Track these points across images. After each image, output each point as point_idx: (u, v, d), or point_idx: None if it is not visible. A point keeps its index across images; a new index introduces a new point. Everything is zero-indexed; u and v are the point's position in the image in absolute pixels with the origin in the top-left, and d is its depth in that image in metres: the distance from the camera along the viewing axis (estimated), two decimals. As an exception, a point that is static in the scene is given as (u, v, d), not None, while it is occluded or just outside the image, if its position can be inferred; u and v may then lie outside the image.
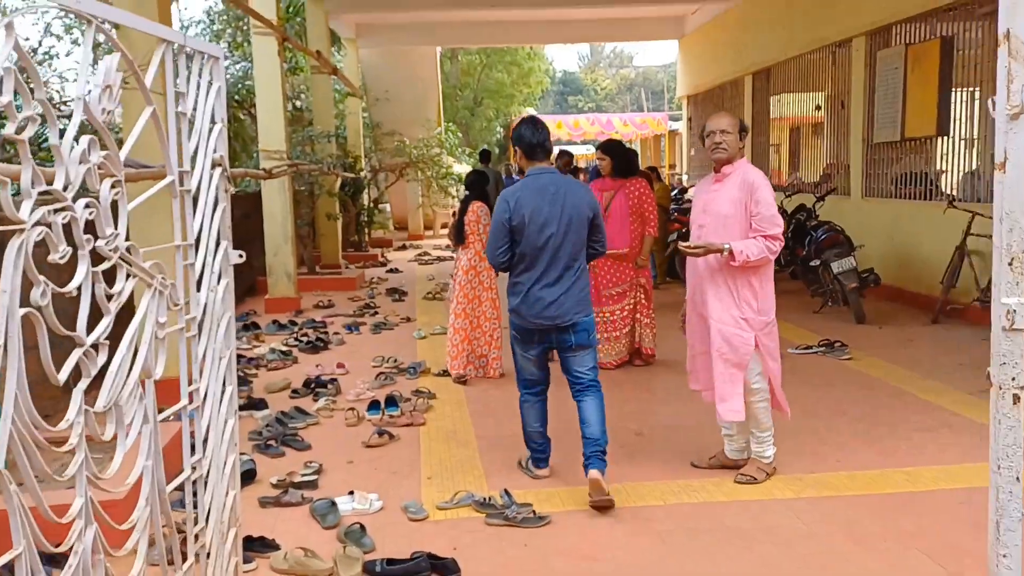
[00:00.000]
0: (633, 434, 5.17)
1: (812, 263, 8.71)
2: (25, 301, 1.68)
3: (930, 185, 9.46)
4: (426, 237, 21.16)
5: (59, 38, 12.60)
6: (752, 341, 4.18)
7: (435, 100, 21.16)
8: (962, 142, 9.24)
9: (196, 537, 2.65)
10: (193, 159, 2.78)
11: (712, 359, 4.25)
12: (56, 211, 1.85)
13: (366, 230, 16.77)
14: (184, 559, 2.57)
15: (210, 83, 2.91)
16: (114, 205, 2.12)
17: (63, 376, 1.86)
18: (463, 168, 20.29)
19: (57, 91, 9.50)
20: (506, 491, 4.12)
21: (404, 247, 18.70)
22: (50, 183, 1.87)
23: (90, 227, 1.98)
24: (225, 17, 16.42)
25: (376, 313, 9.78)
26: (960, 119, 9.05)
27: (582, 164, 19.97)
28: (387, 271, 14.14)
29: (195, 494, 2.71)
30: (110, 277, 2.07)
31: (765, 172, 12.17)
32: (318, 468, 4.61)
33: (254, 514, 4.08)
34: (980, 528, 3.78)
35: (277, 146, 9.99)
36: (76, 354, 1.95)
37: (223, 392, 2.94)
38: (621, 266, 6.77)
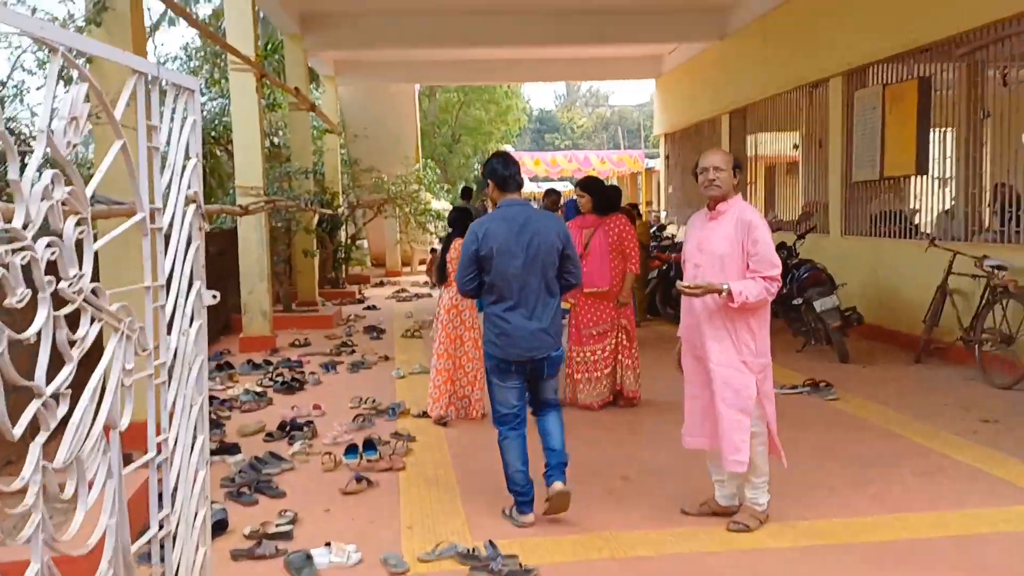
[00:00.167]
0: (620, 478, 5.02)
1: (794, 301, 8.65)
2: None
3: (906, 224, 9.50)
4: (404, 273, 21.02)
5: (31, 73, 12.44)
6: (754, 384, 4.07)
7: (413, 137, 21.15)
8: (935, 181, 9.30)
9: (163, 600, 2.47)
10: (166, 195, 2.66)
11: (716, 406, 4.11)
12: (15, 251, 1.71)
13: (343, 267, 16.62)
14: (149, 624, 2.39)
15: (185, 117, 2.78)
16: (79, 244, 1.98)
17: (19, 430, 1.71)
18: (441, 204, 20.25)
19: (27, 125, 9.32)
20: (491, 542, 3.96)
21: (382, 284, 18.54)
22: (8, 220, 1.74)
23: (53, 268, 1.84)
24: (203, 53, 16.35)
25: (353, 352, 9.59)
26: (934, 159, 9.11)
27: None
28: (365, 308, 13.96)
29: (163, 550, 2.54)
30: (74, 321, 1.92)
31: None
32: (293, 517, 4.41)
33: (226, 568, 3.88)
34: (984, 580, 3.69)
35: (254, 182, 9.86)
36: (34, 405, 1.80)
37: (194, 441, 2.77)
38: (602, 305, 6.67)
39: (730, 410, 4.07)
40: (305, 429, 6.08)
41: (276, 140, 15.28)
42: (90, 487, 2.02)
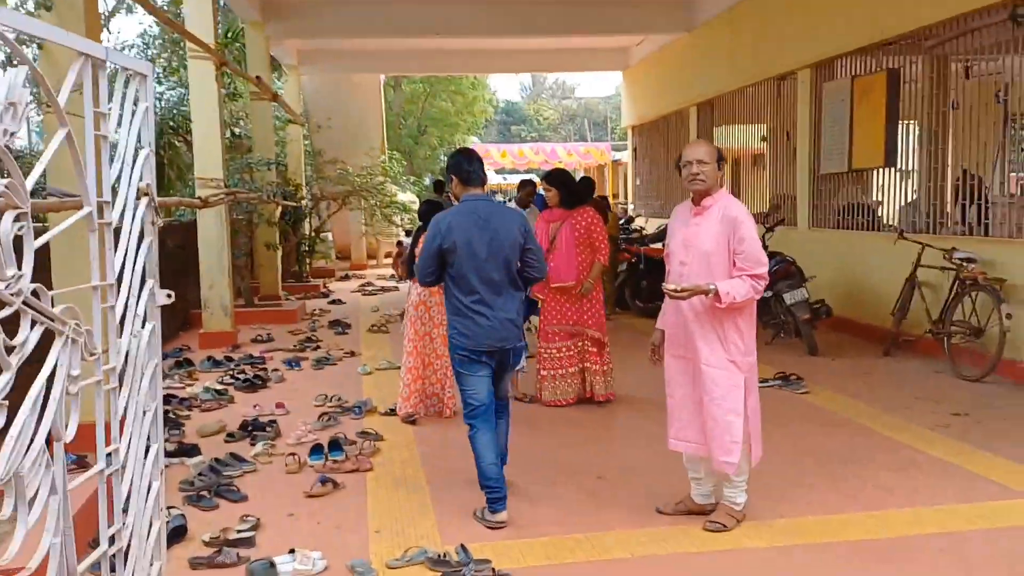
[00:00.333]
0: (594, 478, 4.92)
1: (764, 294, 8.60)
2: None
3: (869, 216, 9.53)
4: (370, 267, 20.76)
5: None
6: (743, 384, 3.97)
7: (378, 128, 20.87)
8: (898, 174, 9.33)
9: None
10: (117, 188, 2.48)
11: (706, 407, 4.01)
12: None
13: (307, 260, 16.34)
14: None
15: (136, 103, 2.61)
16: (18, 241, 1.81)
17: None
18: (407, 197, 20.02)
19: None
20: (462, 546, 3.83)
21: (347, 277, 18.28)
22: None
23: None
24: (161, 41, 15.95)
25: (318, 347, 9.39)
26: (899, 151, 9.13)
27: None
28: (329, 302, 13.73)
29: (113, 568, 2.38)
30: (13, 325, 1.76)
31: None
32: (255, 523, 4.24)
33: (184, 577, 3.71)
34: (969, 582, 3.64)
35: (214, 174, 9.58)
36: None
37: (147, 450, 2.61)
38: (567, 303, 6.53)
39: (720, 411, 3.97)
40: (268, 429, 5.90)
41: (237, 131, 14.96)
42: (32, 504, 1.86)
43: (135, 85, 2.60)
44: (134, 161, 2.56)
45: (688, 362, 4.08)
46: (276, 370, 8.06)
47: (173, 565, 3.79)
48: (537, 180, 9.74)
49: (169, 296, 2.71)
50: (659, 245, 11.62)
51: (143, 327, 2.58)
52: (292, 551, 3.83)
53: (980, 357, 7.15)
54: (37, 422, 1.87)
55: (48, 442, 1.92)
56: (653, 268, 11.00)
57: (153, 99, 2.69)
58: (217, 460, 5.16)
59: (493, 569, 3.66)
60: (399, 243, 15.18)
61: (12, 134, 1.84)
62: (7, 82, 1.79)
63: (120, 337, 2.44)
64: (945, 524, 4.13)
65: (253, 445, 5.61)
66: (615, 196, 24.02)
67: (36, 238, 1.89)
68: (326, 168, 17.04)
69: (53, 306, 1.93)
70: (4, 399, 1.72)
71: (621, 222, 13.62)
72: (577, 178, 8.17)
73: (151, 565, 2.62)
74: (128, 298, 2.47)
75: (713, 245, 3.96)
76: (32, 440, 1.86)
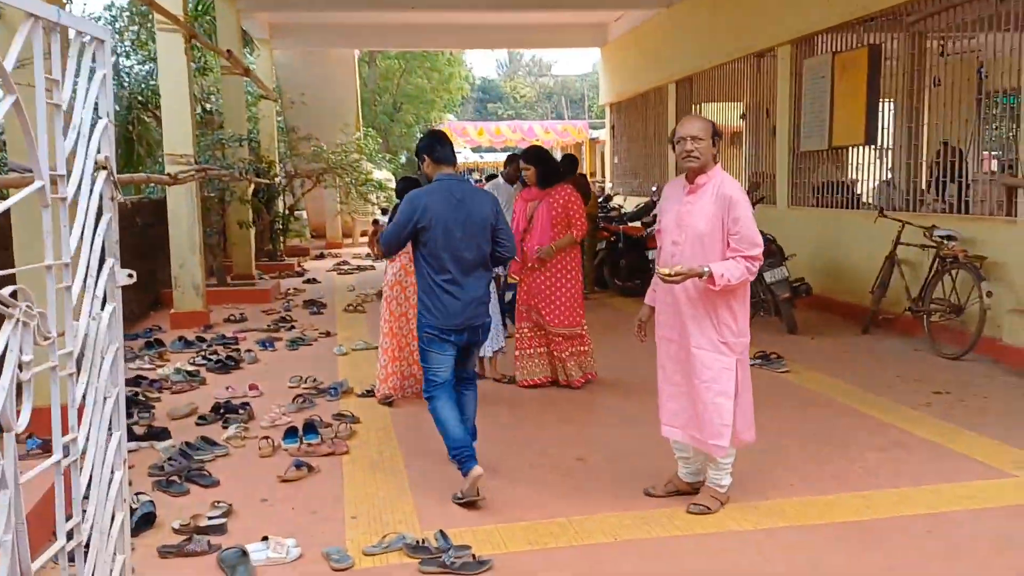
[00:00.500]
0: (575, 460, 4.83)
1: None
2: None
3: (848, 194, 9.49)
4: (345, 245, 20.52)
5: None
6: (734, 367, 3.88)
7: (353, 104, 20.55)
8: (875, 152, 9.29)
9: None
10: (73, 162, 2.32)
11: (696, 390, 3.91)
12: None
13: (281, 239, 16.10)
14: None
15: (93, 70, 2.44)
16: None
17: None
18: (383, 174, 19.76)
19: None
20: (441, 532, 3.72)
21: (322, 256, 18.06)
22: None
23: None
24: (129, 13, 15.54)
25: (293, 327, 9.22)
26: (879, 128, 9.07)
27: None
28: (304, 282, 13.52)
29: (73, 560, 2.24)
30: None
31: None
32: (227, 509, 4.10)
33: (153, 567, 3.58)
34: (952, 561, 3.59)
35: (184, 150, 9.34)
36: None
37: (109, 439, 2.46)
38: (538, 292, 6.38)
39: (711, 394, 3.87)
40: (241, 411, 5.75)
41: (208, 106, 14.63)
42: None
43: (91, 51, 2.43)
44: (91, 132, 2.40)
45: (679, 346, 3.98)
46: (249, 351, 7.89)
47: (141, 554, 3.65)
48: (502, 160, 9.55)
49: (131, 276, 2.56)
50: (638, 224, 11.54)
51: (103, 309, 2.43)
52: (265, 538, 3.70)
53: (960, 335, 7.14)
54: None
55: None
56: (632, 247, 10.92)
57: (110, 66, 2.52)
58: (188, 444, 5.02)
59: (473, 555, 3.56)
60: (375, 221, 14.88)
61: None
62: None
63: (78, 320, 2.30)
64: (932, 505, 4.09)
65: (225, 428, 5.46)
66: (592, 175, 23.87)
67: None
68: (300, 145, 16.77)
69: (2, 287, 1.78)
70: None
71: (600, 200, 13.51)
72: (556, 156, 8.03)
73: (114, 559, 2.48)
74: (86, 278, 2.32)
75: (707, 225, 3.85)
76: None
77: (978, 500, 4.14)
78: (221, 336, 8.58)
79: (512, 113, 50.37)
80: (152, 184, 11.22)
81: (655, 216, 11.86)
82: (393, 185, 14.32)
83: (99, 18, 15.78)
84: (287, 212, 16.43)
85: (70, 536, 2.21)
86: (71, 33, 2.39)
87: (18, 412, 1.89)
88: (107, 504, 2.43)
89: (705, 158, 3.89)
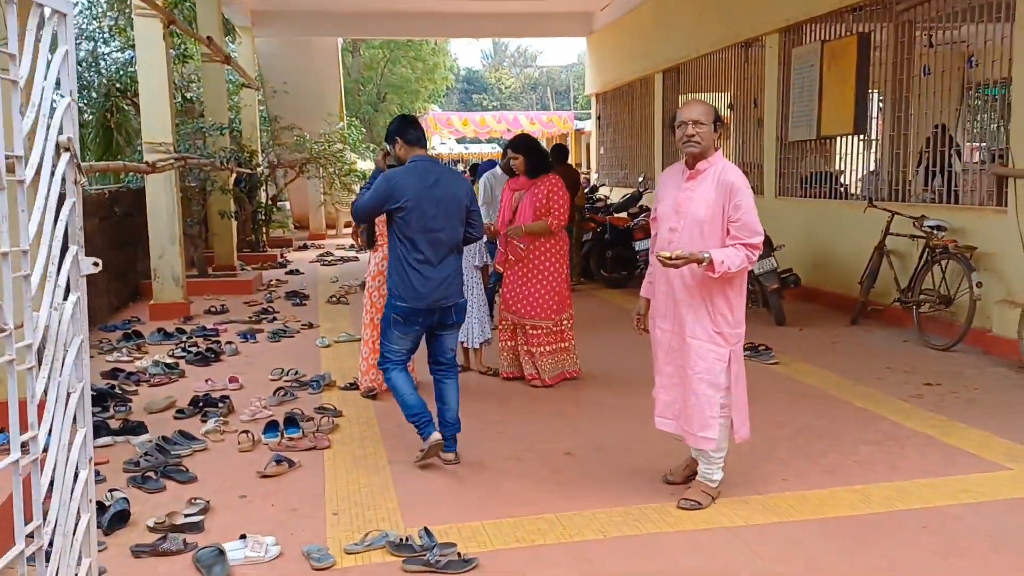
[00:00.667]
0: (563, 454, 4.72)
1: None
2: None
3: (835, 184, 9.42)
4: (328, 236, 20.33)
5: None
6: (727, 357, 3.78)
7: (336, 94, 20.32)
8: (861, 142, 9.22)
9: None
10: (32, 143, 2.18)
11: (687, 380, 3.81)
12: None
13: (263, 229, 15.90)
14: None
15: (54, 46, 2.30)
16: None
17: None
18: (367, 165, 19.56)
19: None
20: (426, 529, 3.60)
21: (305, 247, 17.87)
22: None
23: None
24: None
25: (275, 319, 9.07)
26: (868, 118, 8.99)
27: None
28: (287, 273, 13.36)
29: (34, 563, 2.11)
30: None
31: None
32: (205, 506, 3.97)
33: (126, 567, 3.44)
34: (949, 557, 3.51)
35: (163, 138, 9.14)
36: None
37: (74, 436, 2.33)
38: (519, 286, 6.19)
39: (701, 385, 3.78)
40: (220, 405, 5.61)
41: (188, 95, 14.41)
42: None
43: (51, 25, 2.29)
44: (52, 112, 2.26)
45: (674, 335, 3.87)
46: (230, 343, 7.74)
47: (113, 553, 3.52)
48: (488, 152, 9.44)
49: (96, 264, 2.42)
50: (624, 215, 11.44)
51: (65, 299, 2.30)
52: (243, 536, 3.58)
53: (949, 326, 7.08)
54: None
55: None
56: (618, 238, 10.82)
57: (73, 42, 2.38)
58: (165, 438, 4.88)
59: (459, 553, 3.45)
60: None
61: None
62: None
63: (38, 311, 2.16)
64: (926, 499, 4.01)
65: (204, 422, 5.32)
66: (578, 165, 23.77)
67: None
68: (282, 135, 16.56)
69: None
70: None
71: (586, 191, 13.40)
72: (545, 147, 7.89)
73: (79, 563, 2.35)
74: (47, 266, 2.19)
75: (707, 212, 3.74)
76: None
77: (973, 494, 4.06)
78: (201, 328, 8.42)
79: (497, 104, 50.15)
80: (131, 173, 11.01)
81: (641, 207, 11.83)
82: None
83: (76, 3, 15.49)
84: (270, 202, 16.25)
85: (30, 539, 2.08)
86: (32, 7, 2.25)
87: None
88: (71, 505, 2.30)
89: (706, 143, 3.78)
